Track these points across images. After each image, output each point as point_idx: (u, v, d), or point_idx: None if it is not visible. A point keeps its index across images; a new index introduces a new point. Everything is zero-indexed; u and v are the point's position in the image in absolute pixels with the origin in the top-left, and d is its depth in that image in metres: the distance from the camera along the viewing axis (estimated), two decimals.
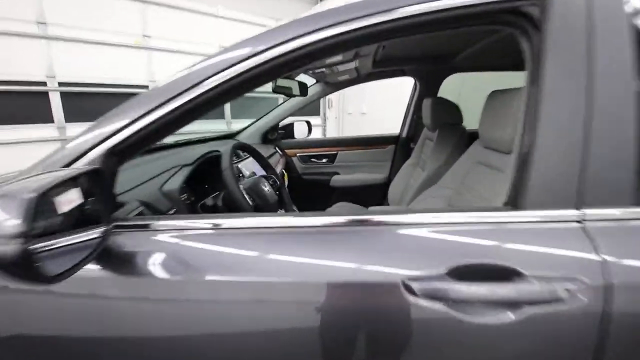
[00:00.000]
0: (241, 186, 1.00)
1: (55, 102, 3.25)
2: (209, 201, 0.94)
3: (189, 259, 0.59)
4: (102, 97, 3.56)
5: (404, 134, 2.20)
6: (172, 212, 0.90)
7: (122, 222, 0.65)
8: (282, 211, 1.25)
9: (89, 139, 0.63)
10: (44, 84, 3.17)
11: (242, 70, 0.60)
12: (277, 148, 2.18)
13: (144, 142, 0.66)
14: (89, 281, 0.59)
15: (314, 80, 2.01)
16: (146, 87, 3.94)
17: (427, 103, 1.65)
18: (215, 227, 0.61)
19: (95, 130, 0.63)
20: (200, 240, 0.60)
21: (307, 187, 2.27)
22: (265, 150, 1.97)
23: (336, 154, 2.25)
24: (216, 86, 0.60)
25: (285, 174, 2.12)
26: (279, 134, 2.24)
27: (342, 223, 0.59)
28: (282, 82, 1.35)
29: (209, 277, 0.58)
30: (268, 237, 0.59)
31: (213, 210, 0.98)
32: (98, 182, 0.60)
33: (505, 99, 0.88)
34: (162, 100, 0.61)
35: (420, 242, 0.56)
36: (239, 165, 1.36)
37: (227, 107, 4.76)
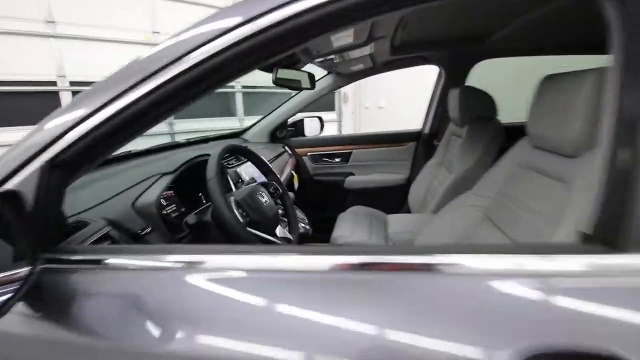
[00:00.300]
0: (232, 198, 0.84)
1: (66, 102, 3.23)
2: (190, 219, 0.78)
3: (151, 311, 0.43)
4: None
5: (427, 130, 1.97)
6: (147, 230, 0.75)
7: (64, 255, 0.50)
8: (286, 222, 1.08)
9: (25, 149, 0.48)
10: (54, 83, 3.15)
11: (230, 42, 0.44)
12: (286, 147, 2.01)
13: (102, 148, 0.50)
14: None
15: (325, 72, 1.81)
16: None
17: (453, 94, 1.43)
18: (189, 265, 0.45)
19: (34, 136, 0.49)
20: (166, 285, 0.45)
21: (318, 189, 2.10)
22: (273, 150, 1.81)
23: (350, 153, 2.05)
24: (196, 65, 0.45)
25: (295, 175, 1.95)
26: (288, 132, 2.07)
27: (352, 266, 0.42)
28: (284, 73, 1.17)
29: (173, 341, 0.42)
30: (256, 284, 0.43)
31: (200, 226, 0.82)
32: (17, 208, 0.44)
33: (570, 85, 0.66)
34: (120, 89, 0.46)
35: (466, 303, 0.37)
36: (238, 170, 1.20)
37: (240, 102, 4.64)
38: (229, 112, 4.66)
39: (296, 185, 1.95)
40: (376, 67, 1.72)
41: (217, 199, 0.74)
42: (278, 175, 1.45)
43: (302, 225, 1.35)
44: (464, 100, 1.39)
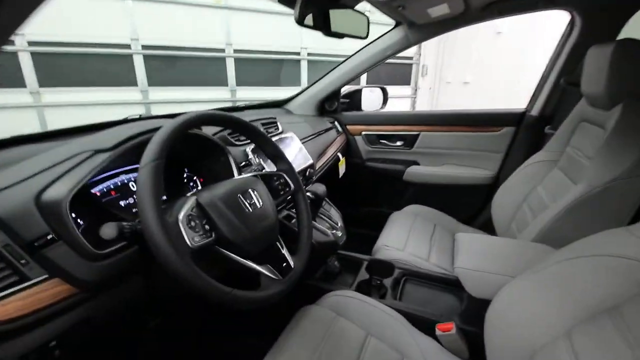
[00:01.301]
0: (193, 199, 0.52)
1: (139, 64, 3.32)
2: (107, 230, 0.48)
3: None
4: (182, 61, 3.54)
5: (535, 111, 1.37)
6: (48, 237, 0.48)
7: None
8: (295, 236, 0.72)
9: None
10: (128, 46, 3.23)
11: None
12: (335, 122, 1.63)
13: None
14: None
15: (393, 23, 1.34)
16: (222, 50, 3.78)
17: (599, 54, 0.86)
18: None
19: None
20: None
21: (371, 178, 1.69)
22: (315, 125, 1.45)
23: (417, 136, 1.57)
24: None
25: (342, 158, 1.57)
26: (340, 104, 1.68)
27: None
28: (329, 12, 0.77)
29: None
30: None
31: (136, 240, 0.52)
32: None
33: None
34: None
35: None
36: (247, 150, 0.89)
37: (304, 71, 4.34)
38: (294, 81, 4.40)
39: (341, 171, 1.58)
40: (470, 13, 1.18)
41: (144, 206, 0.43)
42: (311, 160, 1.10)
43: (332, 231, 1.00)
44: (623, 62, 0.82)
